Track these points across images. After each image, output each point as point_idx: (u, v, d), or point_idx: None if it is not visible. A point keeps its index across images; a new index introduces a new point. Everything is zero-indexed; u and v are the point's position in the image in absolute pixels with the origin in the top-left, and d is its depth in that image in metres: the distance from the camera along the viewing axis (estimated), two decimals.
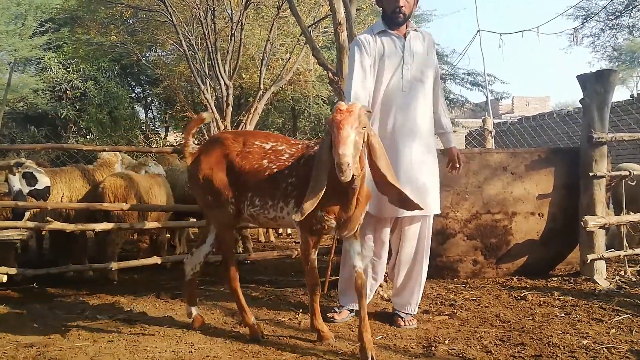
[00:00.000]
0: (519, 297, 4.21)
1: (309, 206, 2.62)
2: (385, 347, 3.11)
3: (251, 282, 4.84)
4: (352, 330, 3.42)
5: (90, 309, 4.03)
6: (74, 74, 13.99)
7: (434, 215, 3.58)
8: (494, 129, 8.90)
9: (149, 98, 19.04)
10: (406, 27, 3.48)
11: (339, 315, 3.62)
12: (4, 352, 3.01)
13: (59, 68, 13.92)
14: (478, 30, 12.62)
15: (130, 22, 14.30)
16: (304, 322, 3.56)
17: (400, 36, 3.47)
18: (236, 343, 3.19)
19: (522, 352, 2.99)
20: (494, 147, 8.75)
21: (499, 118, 25.26)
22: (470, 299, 4.22)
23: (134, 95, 18.37)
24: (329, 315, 3.60)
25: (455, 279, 4.90)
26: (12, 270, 4.22)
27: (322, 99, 14.64)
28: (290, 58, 11.42)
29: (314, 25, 10.41)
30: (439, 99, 3.63)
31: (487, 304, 4.06)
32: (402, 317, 3.53)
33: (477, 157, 4.95)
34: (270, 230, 7.91)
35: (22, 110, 15.87)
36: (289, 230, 8.45)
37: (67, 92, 14.65)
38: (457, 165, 3.67)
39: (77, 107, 14.47)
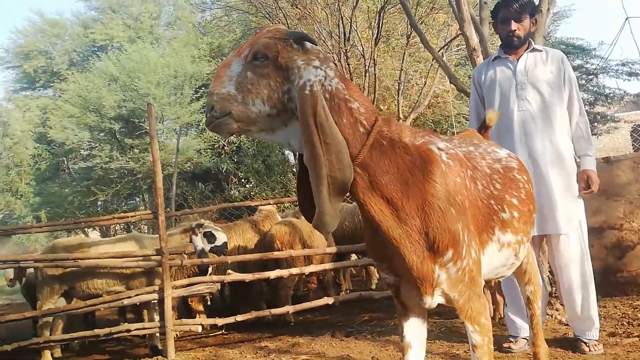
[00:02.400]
0: None
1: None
2: None
3: None
4: None
5: (274, 351, 4.38)
6: None
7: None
8: None
9: None
10: (526, 48, 3.47)
11: (516, 345, 3.54)
12: None
13: None
14: (626, 18, 11.63)
15: None
16: None
17: (514, 60, 3.47)
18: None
19: None
20: None
21: None
22: None
23: None
24: (504, 345, 3.54)
25: None
26: (205, 321, 4.75)
27: (463, 116, 14.38)
28: (425, 83, 11.46)
29: (445, 48, 10.38)
30: (574, 117, 3.43)
31: None
32: (585, 343, 3.35)
33: None
34: None
35: (189, 170, 17.70)
36: None
37: (225, 147, 16.11)
38: (588, 189, 3.38)
39: (235, 159, 15.84)
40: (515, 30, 3.39)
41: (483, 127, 2.64)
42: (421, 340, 1.90)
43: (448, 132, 15.62)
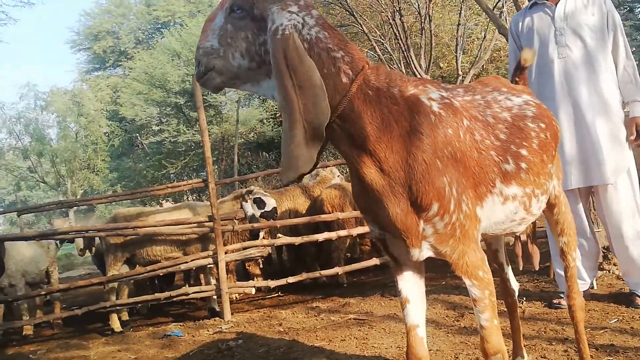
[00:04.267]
0: None
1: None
2: (622, 331, 2.85)
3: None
4: None
5: (324, 311, 4.46)
6: None
7: None
8: None
9: None
10: None
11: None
12: (252, 354, 3.52)
13: None
14: None
15: None
16: (528, 310, 3.45)
17: (552, 5, 3.27)
18: (458, 336, 3.23)
19: None
20: None
21: None
22: None
23: None
24: (554, 301, 3.43)
25: None
26: (259, 283, 4.90)
27: None
28: (485, 36, 10.99)
29: (503, 0, 9.87)
30: (620, 61, 3.21)
31: None
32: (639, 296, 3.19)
33: None
34: None
35: (253, 140, 18.05)
36: None
37: None
38: (638, 137, 3.17)
39: None
40: None
41: (519, 70, 2.49)
42: (419, 294, 1.83)
43: None
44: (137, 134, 20.68)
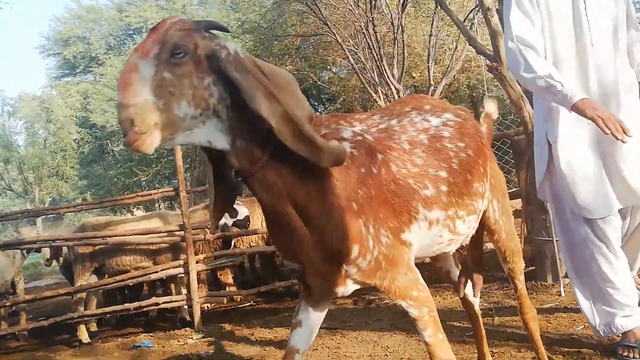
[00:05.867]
0: None
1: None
2: (588, 337, 2.90)
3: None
4: None
5: None
6: None
7: None
8: None
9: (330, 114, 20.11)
10: None
11: None
12: None
13: None
14: None
15: (302, 49, 15.27)
16: (497, 319, 3.49)
17: None
18: (467, 353, 3.21)
19: None
20: None
21: None
22: None
23: (317, 113, 19.54)
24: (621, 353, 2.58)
25: None
26: (230, 293, 4.87)
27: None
28: (457, 47, 11.15)
29: (475, 11, 10.04)
30: (635, 43, 2.62)
31: None
32: None
33: None
34: None
35: None
36: None
37: None
38: None
39: None
40: None
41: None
42: (314, 324, 1.82)
43: (484, 96, 15.26)
44: (108, 141, 20.34)
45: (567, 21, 2.49)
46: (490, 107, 2.38)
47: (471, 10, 10.13)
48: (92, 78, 21.71)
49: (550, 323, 3.25)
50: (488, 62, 4.35)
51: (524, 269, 4.05)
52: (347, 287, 1.69)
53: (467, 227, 1.94)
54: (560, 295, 3.77)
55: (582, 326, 3.11)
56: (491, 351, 2.89)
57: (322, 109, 20.21)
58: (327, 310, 1.87)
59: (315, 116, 1.61)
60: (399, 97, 10.23)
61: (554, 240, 3.94)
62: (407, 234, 1.71)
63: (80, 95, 21.10)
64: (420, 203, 1.74)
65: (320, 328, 3.96)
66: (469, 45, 5.18)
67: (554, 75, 2.33)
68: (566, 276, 3.88)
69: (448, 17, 11.87)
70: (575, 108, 2.27)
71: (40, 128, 22.00)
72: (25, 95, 22.60)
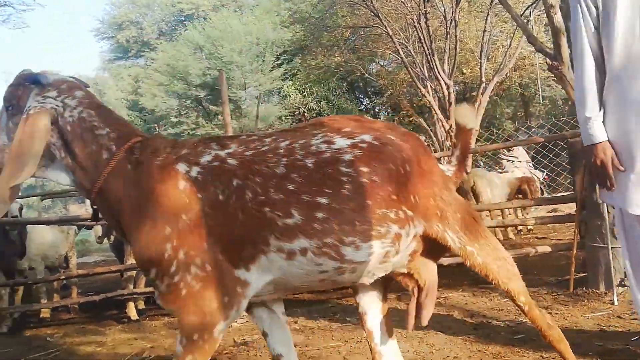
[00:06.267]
0: None
1: None
2: None
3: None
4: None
5: (340, 311, 4.46)
6: (308, 97, 15.54)
7: None
8: None
9: (377, 108, 19.98)
10: None
11: None
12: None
13: (296, 94, 15.59)
14: None
15: (351, 40, 15.23)
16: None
17: None
18: (476, 344, 3.22)
19: None
20: None
21: None
22: None
23: (362, 107, 19.49)
24: None
25: None
26: None
27: (553, 79, 13.61)
28: (511, 44, 10.91)
29: (531, 8, 9.79)
30: None
31: None
32: None
33: None
34: (510, 227, 7.68)
35: None
36: (529, 226, 8.06)
37: (305, 114, 16.29)
38: None
39: None
40: None
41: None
42: (277, 326, 2.13)
43: (536, 96, 14.90)
44: (156, 125, 20.77)
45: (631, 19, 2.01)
46: (462, 118, 2.09)
47: (527, 7, 9.88)
48: (143, 62, 22.20)
49: (604, 332, 3.16)
50: (548, 60, 4.24)
51: (575, 275, 4.00)
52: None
53: (366, 254, 1.77)
54: (613, 303, 3.67)
55: (637, 337, 3.02)
56: (541, 356, 2.86)
57: (368, 102, 20.13)
58: (280, 309, 2.20)
59: (183, 141, 1.82)
60: (449, 92, 10.10)
61: (609, 247, 3.84)
62: (241, 272, 1.70)
63: (132, 79, 21.62)
64: (274, 234, 1.69)
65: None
66: (528, 42, 5.05)
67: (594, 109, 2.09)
68: (620, 284, 3.79)
69: (503, 13, 11.65)
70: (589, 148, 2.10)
71: None
72: (80, 77, 23.19)
